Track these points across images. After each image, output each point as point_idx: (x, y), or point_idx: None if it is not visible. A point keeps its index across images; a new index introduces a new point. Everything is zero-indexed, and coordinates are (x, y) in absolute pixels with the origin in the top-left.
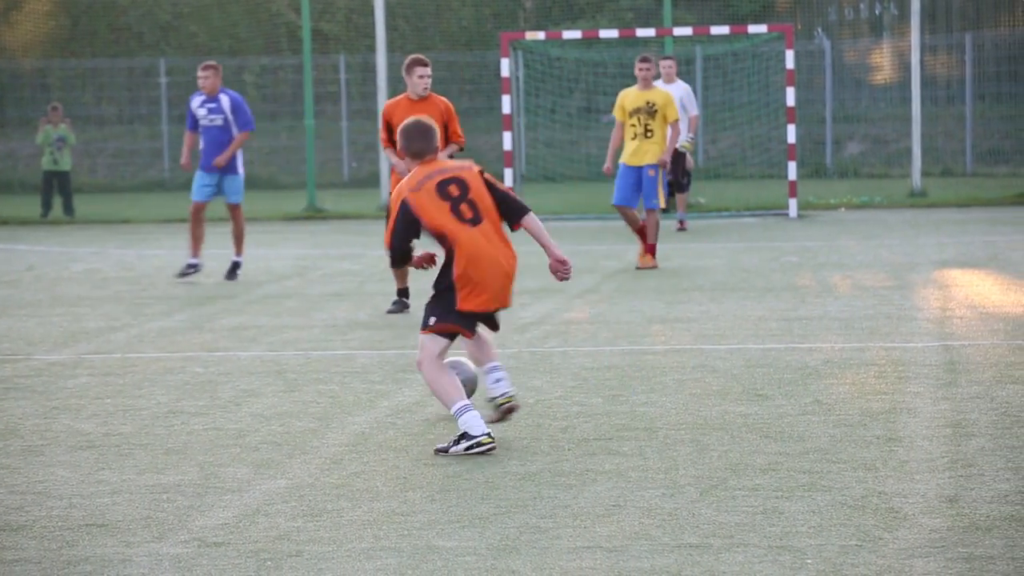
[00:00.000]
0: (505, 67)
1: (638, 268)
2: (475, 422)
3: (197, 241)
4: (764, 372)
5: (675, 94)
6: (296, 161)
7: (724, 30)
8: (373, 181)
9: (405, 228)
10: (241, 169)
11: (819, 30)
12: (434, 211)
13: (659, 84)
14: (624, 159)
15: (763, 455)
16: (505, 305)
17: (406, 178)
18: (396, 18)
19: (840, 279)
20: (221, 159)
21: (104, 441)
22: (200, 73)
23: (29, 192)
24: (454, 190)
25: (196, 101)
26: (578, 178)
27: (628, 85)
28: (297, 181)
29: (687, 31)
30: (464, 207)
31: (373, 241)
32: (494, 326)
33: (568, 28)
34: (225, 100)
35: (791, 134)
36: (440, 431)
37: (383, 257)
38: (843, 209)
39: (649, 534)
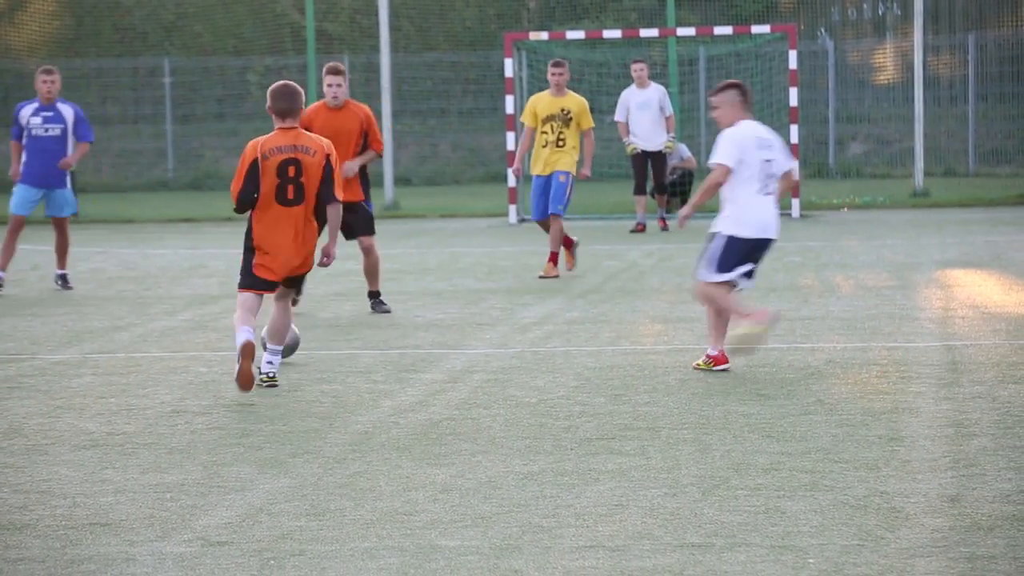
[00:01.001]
0: (509, 67)
1: (540, 277)
2: (240, 334)
3: (9, 255)
4: (766, 372)
5: (653, 97)
6: None
7: (727, 30)
8: (377, 181)
9: (251, 182)
10: (70, 182)
11: (822, 30)
12: (267, 181)
13: (632, 89)
14: (535, 170)
15: (765, 455)
16: (293, 274)
17: (264, 138)
18: (400, 18)
19: (843, 279)
20: (69, 162)
21: (108, 440)
22: (46, 78)
23: None
24: (291, 171)
25: (28, 109)
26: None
27: (631, 86)
28: None
29: (690, 31)
30: (290, 187)
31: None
32: (295, 284)
33: (572, 28)
34: (66, 110)
35: (794, 134)
36: (443, 430)
37: (385, 257)
38: (846, 209)
39: (651, 533)
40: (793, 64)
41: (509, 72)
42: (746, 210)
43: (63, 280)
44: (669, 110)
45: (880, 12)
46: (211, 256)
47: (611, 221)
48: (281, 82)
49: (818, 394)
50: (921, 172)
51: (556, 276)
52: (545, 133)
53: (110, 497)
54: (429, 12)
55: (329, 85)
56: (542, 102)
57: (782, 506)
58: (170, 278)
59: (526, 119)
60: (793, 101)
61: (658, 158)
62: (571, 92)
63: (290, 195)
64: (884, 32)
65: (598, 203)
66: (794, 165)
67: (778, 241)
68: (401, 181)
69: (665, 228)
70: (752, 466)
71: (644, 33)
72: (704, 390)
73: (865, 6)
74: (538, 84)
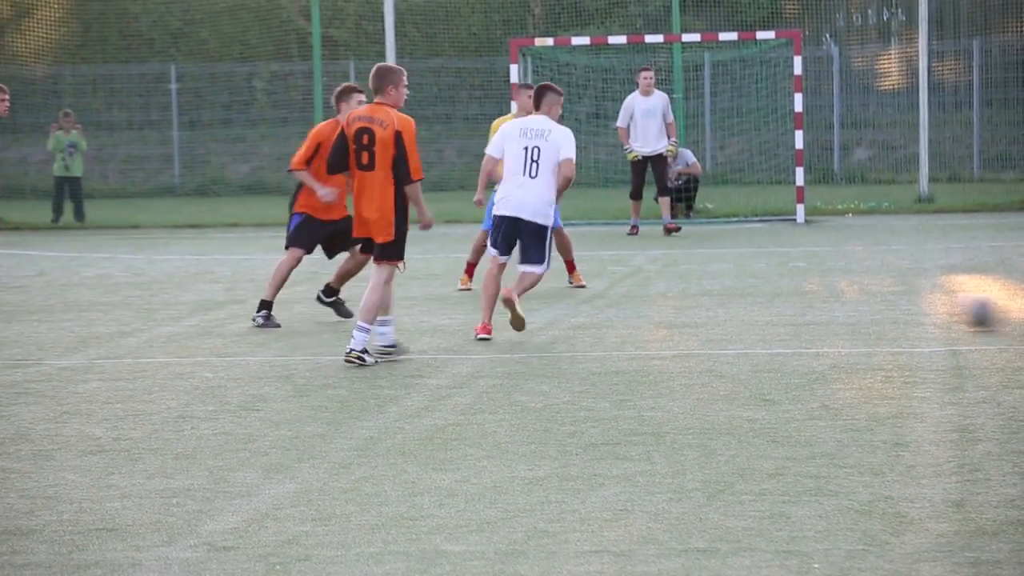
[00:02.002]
0: (514, 73)
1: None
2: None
3: None
4: (771, 377)
5: (657, 105)
6: None
7: (732, 36)
8: None
9: (338, 147)
10: None
11: (827, 36)
12: (351, 146)
13: (636, 96)
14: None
15: (770, 460)
16: (371, 236)
17: (355, 110)
18: (406, 24)
19: (847, 284)
20: None
21: (114, 446)
22: (3, 96)
23: (40, 198)
24: (365, 139)
25: None
26: (586, 184)
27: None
28: None
29: (695, 37)
30: (364, 154)
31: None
32: (376, 255)
33: (577, 34)
34: None
35: (799, 140)
36: (449, 435)
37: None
38: (850, 215)
39: (656, 538)
40: (798, 70)
41: (515, 78)
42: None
43: None
44: (670, 117)
45: (885, 17)
46: (217, 262)
47: (616, 227)
48: (378, 63)
49: (823, 399)
50: (926, 177)
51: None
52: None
53: (116, 502)
54: (435, 18)
55: (360, 102)
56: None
57: (787, 511)
58: (176, 284)
59: (492, 151)
60: (798, 107)
61: (659, 161)
62: (545, 117)
63: (363, 160)
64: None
65: (603, 209)
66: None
67: (783, 247)
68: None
69: (673, 231)
70: (757, 471)
71: (649, 39)
72: (709, 395)
73: (870, 11)
74: None
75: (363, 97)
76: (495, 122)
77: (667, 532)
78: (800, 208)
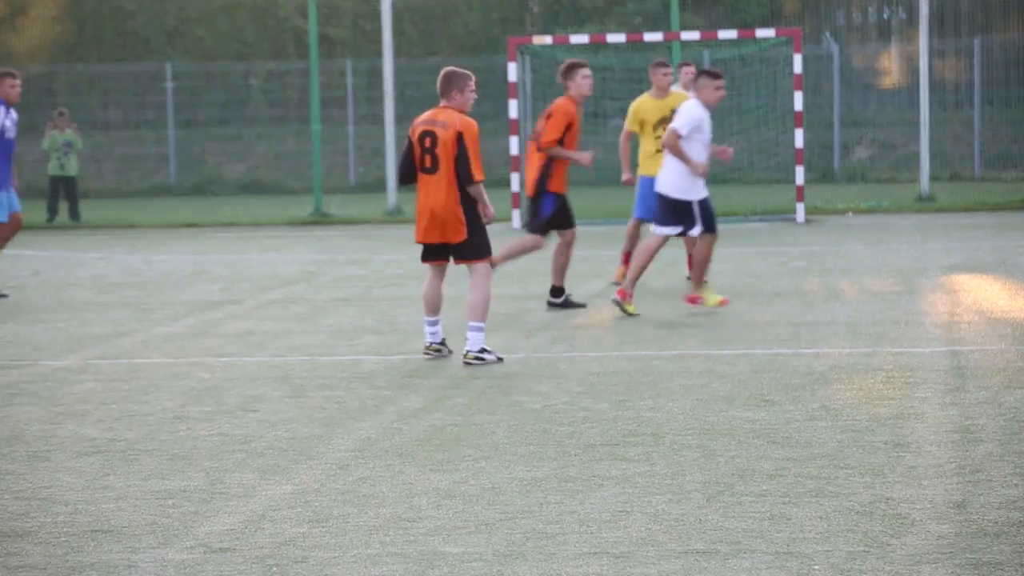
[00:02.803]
0: (512, 72)
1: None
2: (426, 331)
3: None
4: (771, 377)
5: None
6: (303, 166)
7: (732, 34)
8: (379, 186)
9: (407, 155)
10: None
11: (827, 34)
12: (414, 151)
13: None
14: (646, 171)
15: (770, 461)
16: (437, 240)
17: (421, 116)
18: (403, 23)
19: (848, 284)
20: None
21: (110, 447)
22: (15, 82)
23: (35, 197)
24: (427, 142)
25: (1, 111)
26: (584, 183)
27: (635, 89)
28: (304, 186)
29: (695, 35)
30: (427, 157)
31: (380, 246)
32: (462, 257)
33: (575, 32)
34: (13, 112)
35: (799, 138)
36: (447, 436)
37: (389, 262)
38: (851, 214)
39: (656, 540)
40: (798, 68)
41: (513, 76)
42: None
43: None
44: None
45: (885, 16)
46: (213, 262)
47: (614, 226)
48: (445, 68)
49: (823, 400)
50: (926, 176)
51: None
52: (659, 137)
53: (112, 504)
54: (432, 16)
55: (585, 77)
56: (647, 107)
57: (787, 512)
58: (172, 284)
59: (632, 126)
60: (798, 105)
61: None
62: (674, 91)
63: (426, 163)
64: (889, 36)
65: (602, 208)
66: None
67: (783, 247)
68: (404, 186)
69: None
70: (757, 472)
71: (648, 37)
72: (708, 396)
73: (870, 10)
74: (541, 88)
75: (588, 71)
76: (635, 102)
77: (667, 533)
78: (800, 207)
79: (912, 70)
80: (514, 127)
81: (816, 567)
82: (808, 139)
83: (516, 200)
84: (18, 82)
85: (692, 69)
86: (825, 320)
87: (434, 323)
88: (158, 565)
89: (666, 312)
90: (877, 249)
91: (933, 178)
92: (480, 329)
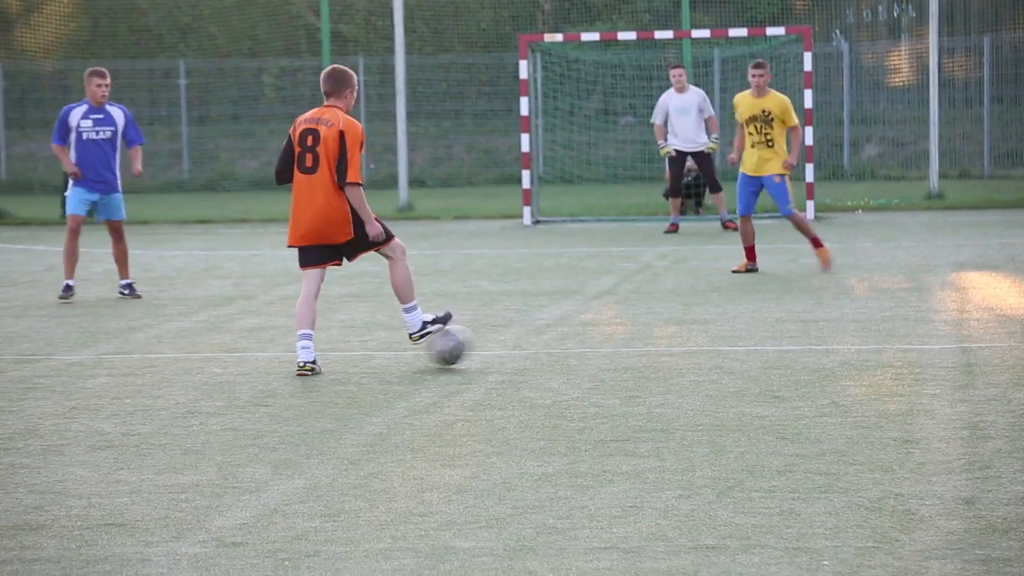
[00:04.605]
0: (523, 69)
1: (823, 270)
2: (298, 348)
3: (74, 261)
4: (781, 374)
5: (692, 101)
6: None
7: (742, 32)
8: (391, 183)
9: (285, 154)
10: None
11: (837, 32)
12: (293, 150)
13: (671, 93)
14: (743, 168)
15: (780, 457)
16: (318, 241)
17: (303, 114)
18: (415, 20)
19: (857, 281)
20: (139, 170)
21: (123, 441)
22: (102, 81)
23: (49, 193)
24: (309, 140)
25: (79, 111)
26: (596, 180)
27: (645, 87)
28: None
29: (705, 33)
30: (307, 156)
31: None
32: (329, 260)
33: (586, 30)
34: (117, 112)
35: (808, 136)
36: (458, 432)
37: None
38: (860, 211)
39: (666, 535)
40: (808, 66)
41: (524, 74)
42: None
43: (129, 289)
44: (709, 111)
45: (895, 14)
46: (226, 257)
47: (626, 223)
48: (331, 66)
49: (832, 396)
50: (936, 174)
51: (827, 262)
52: (751, 135)
53: (125, 498)
54: (444, 14)
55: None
56: (744, 103)
57: (797, 508)
58: (185, 279)
59: (738, 117)
60: (808, 103)
61: (703, 159)
62: (772, 92)
63: (307, 163)
64: (899, 34)
65: (614, 205)
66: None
67: (793, 243)
68: (415, 183)
69: (729, 227)
70: (766, 468)
71: (659, 35)
72: (718, 392)
73: (880, 8)
74: (552, 86)
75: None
76: (736, 97)
77: (676, 529)
78: (810, 204)
79: (922, 68)
80: (525, 124)
81: (825, 562)
82: (818, 137)
83: (527, 197)
84: (106, 82)
85: (682, 70)
86: (835, 317)
87: (307, 337)
88: (171, 559)
89: (676, 309)
90: (886, 246)
91: (942, 176)
92: (413, 308)
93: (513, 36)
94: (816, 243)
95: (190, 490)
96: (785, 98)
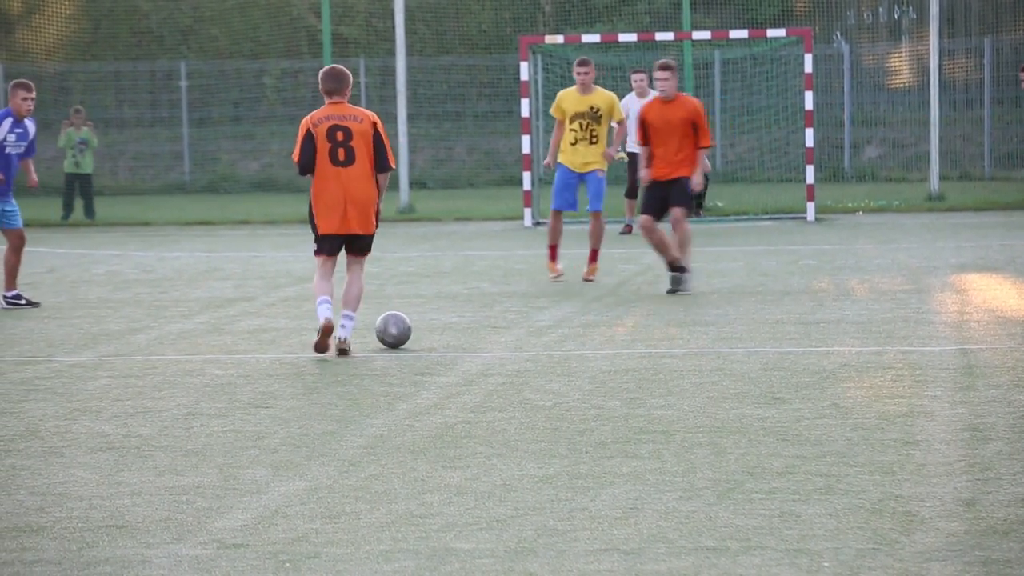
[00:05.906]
0: (524, 70)
1: (553, 277)
2: (320, 310)
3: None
4: (781, 375)
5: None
6: None
7: (743, 34)
8: (392, 184)
9: (308, 148)
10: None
11: (838, 34)
12: (320, 145)
13: (632, 97)
14: (564, 161)
15: (780, 458)
16: (355, 231)
17: (314, 112)
18: (416, 22)
19: (857, 283)
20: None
21: (124, 443)
22: (28, 95)
23: (51, 195)
24: (340, 136)
25: (7, 125)
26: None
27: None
28: None
29: (706, 35)
30: (340, 151)
31: (392, 244)
32: (359, 250)
33: (587, 31)
34: (31, 127)
35: (809, 138)
36: (458, 433)
37: (401, 260)
38: (861, 213)
39: (666, 537)
40: (808, 68)
41: (524, 75)
42: None
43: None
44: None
45: (896, 16)
46: (227, 259)
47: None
48: (329, 66)
49: (833, 398)
50: (936, 176)
51: (592, 279)
52: (574, 131)
53: (126, 499)
54: (444, 16)
55: (658, 79)
56: (568, 99)
57: (797, 510)
58: (186, 281)
59: (555, 113)
60: (808, 105)
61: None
62: (599, 88)
63: (340, 157)
64: (900, 36)
65: (612, 207)
66: None
67: (793, 245)
68: (416, 184)
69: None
70: (767, 470)
71: (660, 36)
72: (719, 394)
73: (881, 10)
74: (553, 87)
75: (665, 75)
76: (560, 93)
77: (677, 530)
78: (810, 206)
79: (922, 70)
80: (526, 126)
81: (826, 564)
82: (818, 138)
83: (528, 199)
84: (32, 95)
85: (644, 76)
86: (835, 318)
87: (326, 301)
88: (172, 560)
89: (676, 311)
90: (887, 248)
91: (943, 177)
92: (353, 318)
93: (514, 38)
94: (594, 256)
95: (191, 492)
96: (612, 94)
